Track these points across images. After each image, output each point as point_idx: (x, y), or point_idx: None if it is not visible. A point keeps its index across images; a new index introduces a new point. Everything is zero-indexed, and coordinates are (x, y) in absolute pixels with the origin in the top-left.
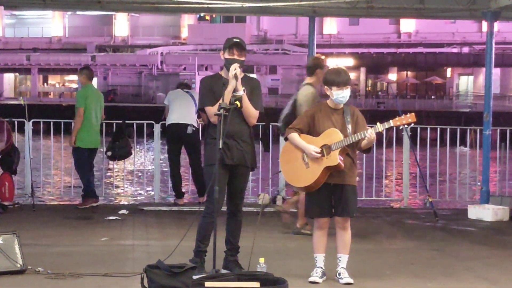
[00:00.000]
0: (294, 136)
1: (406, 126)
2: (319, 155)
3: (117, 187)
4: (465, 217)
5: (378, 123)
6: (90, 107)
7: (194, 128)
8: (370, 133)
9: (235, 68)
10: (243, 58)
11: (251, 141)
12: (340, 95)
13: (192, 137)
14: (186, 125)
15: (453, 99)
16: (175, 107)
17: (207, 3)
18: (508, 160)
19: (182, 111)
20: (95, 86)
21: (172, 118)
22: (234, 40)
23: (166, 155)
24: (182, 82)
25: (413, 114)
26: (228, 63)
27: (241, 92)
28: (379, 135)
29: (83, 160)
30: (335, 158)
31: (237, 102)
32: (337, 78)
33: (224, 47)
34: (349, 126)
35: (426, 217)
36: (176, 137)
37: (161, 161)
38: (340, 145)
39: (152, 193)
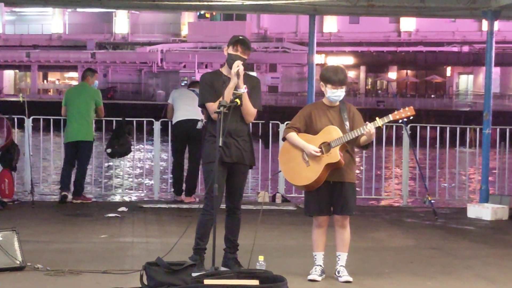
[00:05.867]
0: (293, 135)
1: (405, 119)
2: (319, 154)
3: (116, 184)
4: (464, 216)
5: (377, 118)
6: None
7: (203, 123)
8: (369, 128)
9: (237, 65)
10: (246, 57)
11: (250, 139)
12: (334, 93)
13: (200, 133)
14: (196, 121)
15: (453, 98)
16: (181, 105)
17: (207, 1)
18: (508, 159)
19: (189, 108)
20: (96, 84)
21: (179, 115)
22: (240, 37)
23: (164, 153)
24: (193, 81)
25: (411, 107)
26: (231, 59)
27: (242, 89)
28: (378, 133)
29: (66, 154)
30: (336, 155)
31: (237, 100)
32: (333, 77)
33: (229, 42)
34: (347, 123)
35: (426, 215)
36: (184, 134)
37: (163, 158)
38: (339, 142)
39: (152, 190)
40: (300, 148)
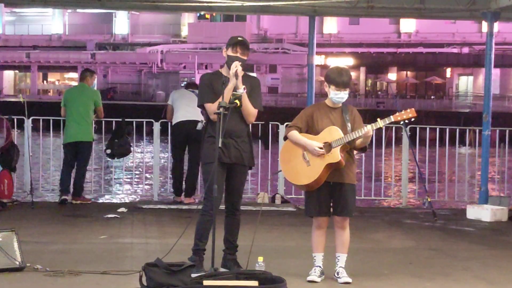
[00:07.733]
0: (295, 133)
1: (406, 121)
2: (322, 150)
3: (116, 185)
4: (463, 217)
5: (378, 119)
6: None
7: (203, 124)
8: (368, 129)
9: (236, 66)
10: (245, 57)
11: (249, 139)
12: (338, 95)
13: (200, 134)
14: (196, 122)
15: (453, 99)
16: (181, 106)
17: (207, 2)
18: (507, 161)
19: (189, 109)
20: (95, 84)
21: (179, 116)
22: (239, 38)
23: (164, 153)
24: (191, 82)
25: (413, 109)
26: (230, 60)
27: (241, 90)
28: (378, 134)
29: (65, 155)
30: (337, 155)
31: (237, 101)
32: (338, 78)
33: (228, 44)
34: (349, 124)
35: (425, 217)
36: (184, 135)
37: (162, 159)
38: (340, 142)
39: (151, 191)
40: (301, 146)
